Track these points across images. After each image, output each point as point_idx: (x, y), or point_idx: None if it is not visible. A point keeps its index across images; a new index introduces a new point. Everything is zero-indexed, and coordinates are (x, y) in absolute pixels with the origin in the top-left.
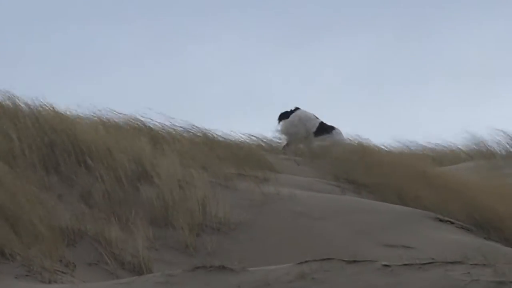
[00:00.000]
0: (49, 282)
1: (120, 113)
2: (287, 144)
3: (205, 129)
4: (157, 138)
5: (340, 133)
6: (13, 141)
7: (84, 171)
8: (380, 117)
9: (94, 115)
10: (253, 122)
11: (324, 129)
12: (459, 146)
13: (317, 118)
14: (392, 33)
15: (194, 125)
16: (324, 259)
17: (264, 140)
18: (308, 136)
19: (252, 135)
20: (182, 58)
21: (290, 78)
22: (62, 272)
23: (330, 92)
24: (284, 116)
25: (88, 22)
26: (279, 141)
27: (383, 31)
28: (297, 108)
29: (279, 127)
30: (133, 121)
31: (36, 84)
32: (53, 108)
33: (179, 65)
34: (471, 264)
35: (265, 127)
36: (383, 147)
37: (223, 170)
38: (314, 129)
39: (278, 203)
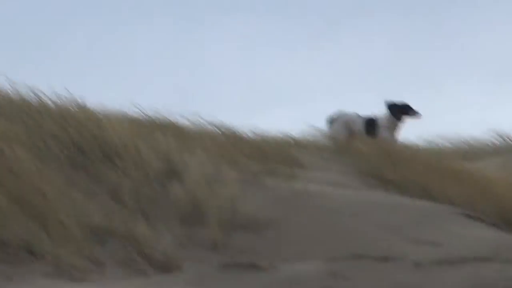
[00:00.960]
0: (79, 281)
1: (146, 111)
2: (335, 146)
3: (232, 125)
4: (184, 135)
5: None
6: (40, 139)
7: (111, 169)
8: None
9: (121, 112)
10: (280, 118)
11: (371, 125)
12: (487, 142)
13: (360, 116)
14: (420, 25)
15: (221, 122)
16: (354, 257)
17: (292, 137)
18: (358, 135)
19: (280, 132)
20: (201, 54)
21: (314, 71)
22: (92, 270)
23: (355, 85)
24: (329, 120)
25: (105, 19)
26: (308, 138)
27: (410, 24)
28: (340, 111)
29: (327, 132)
30: (159, 118)
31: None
32: (80, 105)
33: (199, 61)
34: (502, 261)
35: (292, 123)
36: (410, 143)
37: (251, 167)
38: (363, 129)
39: (307, 199)
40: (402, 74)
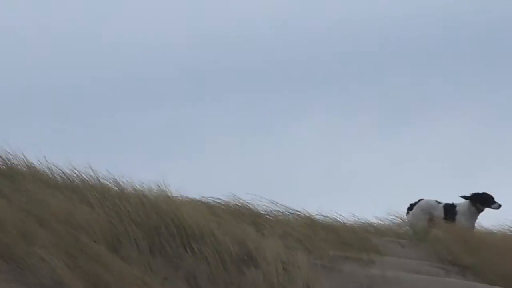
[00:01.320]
0: None
1: (222, 198)
2: (414, 233)
3: (308, 211)
4: (260, 221)
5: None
6: (118, 224)
7: (189, 254)
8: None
9: (197, 199)
10: (357, 203)
11: (450, 210)
12: None
13: (440, 203)
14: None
15: (296, 208)
16: None
17: (370, 223)
18: (437, 222)
19: (356, 217)
20: (278, 137)
21: (389, 158)
22: None
23: (435, 171)
24: (410, 208)
25: (179, 101)
26: (382, 223)
27: (482, 109)
28: (420, 200)
29: (406, 219)
30: (235, 204)
31: (138, 167)
32: (159, 190)
33: (274, 145)
34: None
35: (369, 209)
36: (486, 229)
37: (328, 252)
38: (442, 215)
39: (383, 286)
40: (482, 157)
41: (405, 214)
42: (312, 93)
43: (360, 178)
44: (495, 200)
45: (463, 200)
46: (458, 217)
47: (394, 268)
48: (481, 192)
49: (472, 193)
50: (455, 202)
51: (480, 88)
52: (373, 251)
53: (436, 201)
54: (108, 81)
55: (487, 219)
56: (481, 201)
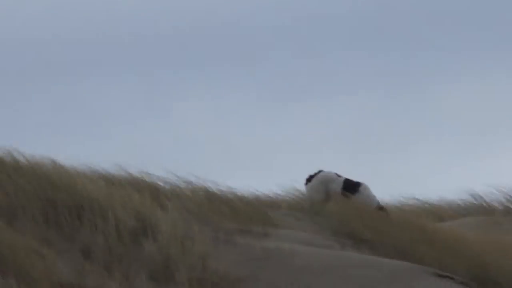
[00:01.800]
0: None
1: (119, 169)
2: (311, 206)
3: (206, 183)
4: (157, 193)
5: (367, 188)
6: (12, 196)
7: (85, 226)
8: (377, 173)
9: (94, 170)
10: (253, 177)
11: (350, 186)
12: (459, 202)
13: (340, 176)
14: (384, 85)
15: (194, 180)
16: None
17: (265, 195)
18: (336, 195)
19: (253, 190)
20: (176, 115)
21: (286, 131)
22: None
23: (322, 147)
24: (309, 180)
25: (82, 77)
26: (278, 196)
27: (374, 84)
28: (320, 171)
29: (305, 192)
30: (133, 176)
31: (34, 139)
32: (53, 162)
33: (172, 122)
34: None
35: (265, 182)
36: (384, 204)
37: (224, 225)
38: (339, 189)
39: (278, 258)
40: (372, 136)
41: (304, 186)
42: (207, 68)
43: (257, 152)
44: None
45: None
46: (360, 189)
47: (290, 241)
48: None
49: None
50: (362, 182)
51: (375, 65)
52: (268, 224)
53: (336, 174)
54: None
55: (385, 195)
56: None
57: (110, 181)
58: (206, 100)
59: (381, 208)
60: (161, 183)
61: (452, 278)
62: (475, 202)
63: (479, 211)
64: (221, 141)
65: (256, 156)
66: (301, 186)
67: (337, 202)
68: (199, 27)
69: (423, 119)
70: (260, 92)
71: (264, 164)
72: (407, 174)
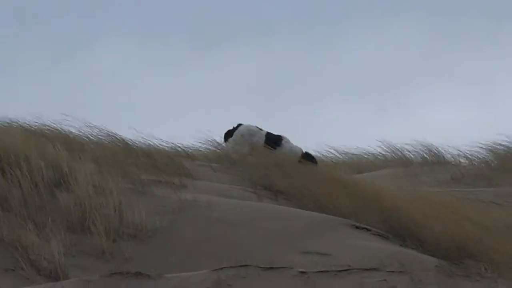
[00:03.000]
0: None
1: (36, 120)
2: (236, 159)
3: (122, 135)
4: (74, 144)
5: (289, 141)
6: None
7: (1, 178)
8: (293, 126)
9: (10, 121)
10: (170, 128)
11: (272, 140)
12: (377, 155)
13: (261, 129)
14: (295, 44)
15: (111, 132)
16: (240, 266)
17: (183, 148)
18: (258, 148)
19: (170, 142)
20: (77, 63)
21: (199, 83)
22: None
23: (230, 100)
24: (228, 134)
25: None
26: (195, 147)
27: (276, 41)
28: (239, 125)
29: (225, 146)
30: (49, 127)
31: None
32: None
33: (75, 70)
34: (387, 271)
35: (181, 133)
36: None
37: (140, 177)
38: (262, 142)
39: (195, 209)
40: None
41: (223, 139)
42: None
43: (172, 104)
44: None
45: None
46: (283, 143)
47: (206, 192)
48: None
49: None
50: (283, 135)
51: (291, 19)
52: (185, 175)
53: (257, 127)
54: None
55: (306, 147)
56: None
57: (27, 133)
58: (116, 52)
59: (306, 157)
60: (77, 134)
61: (368, 230)
62: (393, 154)
63: (397, 163)
64: (133, 94)
65: (170, 108)
66: (217, 137)
67: (259, 154)
68: None
69: (339, 75)
70: (172, 45)
71: (178, 116)
72: (325, 127)
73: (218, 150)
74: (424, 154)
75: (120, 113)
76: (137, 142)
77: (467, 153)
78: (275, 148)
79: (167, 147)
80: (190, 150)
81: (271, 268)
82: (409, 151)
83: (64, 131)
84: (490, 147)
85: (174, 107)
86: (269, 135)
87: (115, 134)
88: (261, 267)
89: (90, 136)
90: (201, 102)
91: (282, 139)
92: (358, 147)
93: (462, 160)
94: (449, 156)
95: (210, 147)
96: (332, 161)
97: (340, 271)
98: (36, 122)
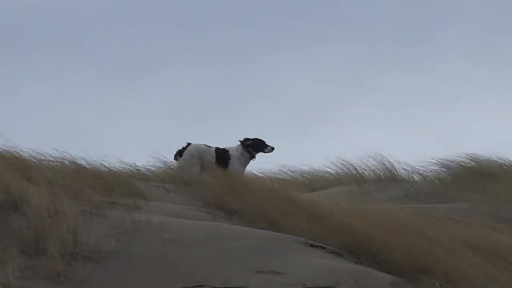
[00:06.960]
0: None
1: None
2: (187, 179)
3: (74, 157)
4: (26, 167)
5: (234, 153)
6: None
7: None
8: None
9: None
10: (121, 150)
11: (222, 155)
12: (330, 171)
13: (210, 147)
14: (222, 60)
15: (63, 153)
16: (195, 286)
17: (136, 168)
18: (209, 167)
19: (121, 163)
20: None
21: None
22: None
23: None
24: (178, 154)
25: None
26: (147, 168)
27: (213, 59)
28: (189, 144)
29: (175, 166)
30: (1, 150)
31: None
32: None
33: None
34: None
35: (133, 155)
36: (256, 174)
37: (94, 198)
38: (213, 160)
39: (149, 230)
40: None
41: (173, 159)
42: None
43: (121, 126)
44: (267, 143)
45: (235, 145)
46: (231, 161)
47: (160, 213)
48: (252, 137)
49: (245, 138)
50: (227, 147)
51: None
52: (138, 196)
53: (206, 145)
54: None
55: (258, 165)
56: (254, 146)
57: None
58: (51, 81)
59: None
60: (29, 158)
61: (323, 248)
62: (346, 171)
63: (351, 181)
64: (77, 119)
65: (117, 130)
66: (169, 158)
67: (209, 173)
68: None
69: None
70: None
71: (126, 137)
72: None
73: (170, 170)
74: (377, 170)
75: (68, 138)
76: (88, 164)
77: (420, 170)
78: (226, 165)
79: (119, 167)
80: (142, 170)
81: None
82: (363, 168)
83: (17, 155)
84: (443, 163)
85: (119, 129)
86: (218, 150)
87: (67, 157)
88: (216, 287)
89: (42, 159)
90: (148, 121)
91: (230, 157)
92: (307, 165)
93: (415, 177)
94: (402, 172)
95: (162, 166)
96: (285, 180)
97: None
98: None
